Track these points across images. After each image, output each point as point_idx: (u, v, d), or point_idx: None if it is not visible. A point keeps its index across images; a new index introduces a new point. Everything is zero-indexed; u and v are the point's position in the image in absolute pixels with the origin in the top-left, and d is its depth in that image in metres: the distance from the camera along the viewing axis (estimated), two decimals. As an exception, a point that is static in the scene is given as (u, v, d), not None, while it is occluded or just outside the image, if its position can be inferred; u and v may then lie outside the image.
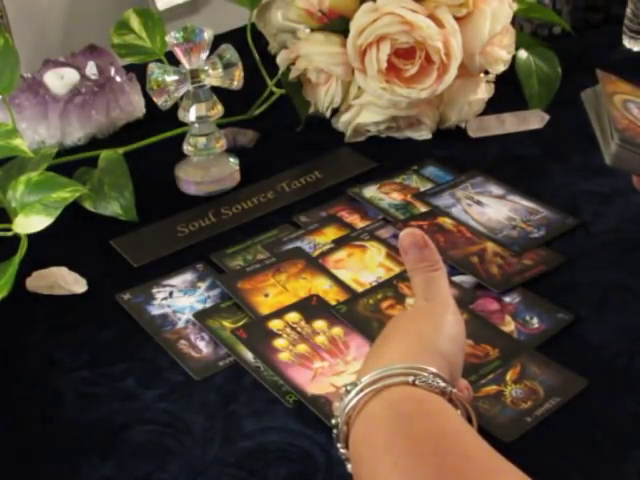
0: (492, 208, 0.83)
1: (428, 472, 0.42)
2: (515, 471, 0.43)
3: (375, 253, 0.78)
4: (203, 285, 0.75)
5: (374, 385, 0.48)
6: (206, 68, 0.84)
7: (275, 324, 0.69)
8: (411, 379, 0.48)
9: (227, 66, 0.85)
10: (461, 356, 0.53)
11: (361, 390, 0.48)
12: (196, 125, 0.86)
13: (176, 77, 0.84)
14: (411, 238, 0.57)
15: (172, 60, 0.87)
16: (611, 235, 0.79)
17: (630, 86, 0.71)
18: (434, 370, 0.49)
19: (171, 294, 0.75)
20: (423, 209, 0.84)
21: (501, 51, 0.94)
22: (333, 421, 0.50)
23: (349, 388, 0.49)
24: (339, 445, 0.50)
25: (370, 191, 0.87)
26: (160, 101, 0.84)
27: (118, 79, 0.99)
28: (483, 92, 0.97)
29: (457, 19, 0.90)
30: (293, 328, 0.69)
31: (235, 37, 0.96)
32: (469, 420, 0.50)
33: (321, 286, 0.74)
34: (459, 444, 0.44)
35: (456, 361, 0.53)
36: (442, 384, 0.48)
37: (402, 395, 0.48)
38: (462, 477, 0.42)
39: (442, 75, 0.89)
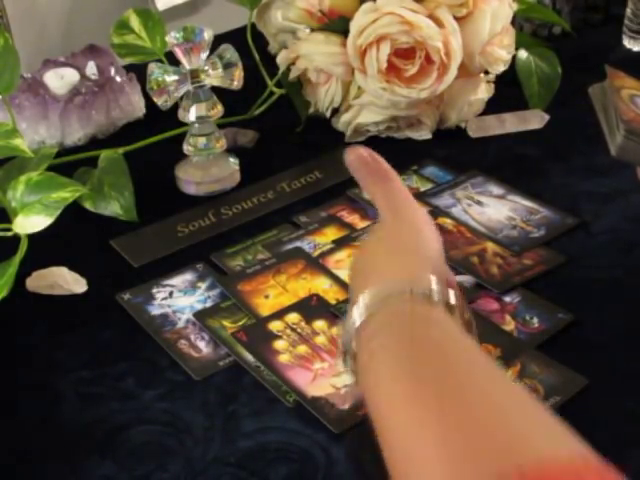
0: (492, 208, 0.83)
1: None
2: (510, 384, 0.43)
3: (375, 253, 0.78)
4: (203, 285, 0.75)
5: (373, 307, 0.48)
6: (206, 68, 0.84)
7: (275, 325, 0.69)
8: (408, 290, 0.47)
9: (227, 66, 0.85)
10: (443, 257, 0.53)
11: (363, 313, 0.48)
12: (196, 125, 0.86)
13: (176, 77, 0.84)
14: (354, 155, 0.58)
15: (172, 60, 0.87)
16: (611, 235, 0.79)
17: (637, 82, 0.72)
18: (428, 280, 0.48)
19: (171, 294, 0.75)
20: (423, 209, 0.84)
21: (501, 51, 0.94)
22: (340, 341, 0.49)
23: (346, 309, 0.49)
24: (347, 359, 0.49)
25: (370, 191, 0.87)
26: (160, 101, 0.84)
27: (118, 79, 0.99)
28: (483, 92, 0.97)
29: (457, 19, 0.89)
30: (293, 329, 0.69)
31: (235, 37, 0.96)
32: (469, 325, 0.50)
33: (321, 286, 0.74)
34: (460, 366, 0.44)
35: (441, 264, 0.53)
36: (438, 294, 0.48)
37: (402, 311, 0.47)
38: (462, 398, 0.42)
39: (442, 75, 0.89)
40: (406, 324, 0.47)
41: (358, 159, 0.58)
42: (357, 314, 0.48)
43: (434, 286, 0.48)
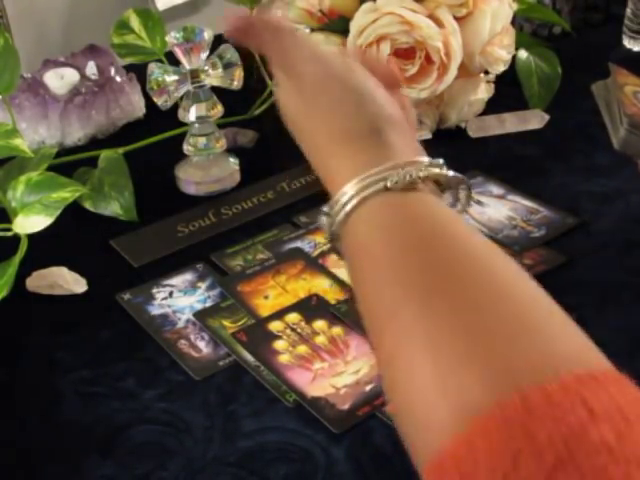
0: (492, 208, 0.83)
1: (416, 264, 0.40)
2: (498, 251, 0.39)
3: (375, 253, 0.77)
4: (203, 285, 0.75)
5: (350, 204, 0.45)
6: (206, 68, 0.84)
7: (275, 325, 0.69)
8: (382, 185, 0.43)
9: (227, 66, 0.85)
10: (394, 105, 0.48)
11: (340, 211, 0.46)
12: (196, 125, 0.86)
13: (176, 77, 0.84)
14: (232, 26, 0.50)
15: (172, 60, 0.87)
16: (611, 235, 0.79)
17: None
18: (397, 163, 0.44)
19: (171, 294, 0.75)
20: (423, 209, 0.84)
21: (501, 51, 0.94)
22: (325, 232, 0.48)
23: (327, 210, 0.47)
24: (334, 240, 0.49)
25: (370, 191, 0.87)
26: (160, 101, 0.84)
27: (118, 79, 0.99)
28: (483, 92, 0.97)
29: (457, 19, 0.89)
30: (293, 329, 0.69)
31: (235, 37, 0.96)
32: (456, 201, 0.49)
33: (321, 286, 0.74)
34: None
35: (396, 112, 0.47)
36: (413, 175, 0.44)
37: (381, 208, 0.44)
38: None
39: (442, 75, 0.89)
40: (385, 214, 0.43)
41: (236, 24, 0.50)
42: (340, 203, 0.46)
43: (404, 175, 0.44)
